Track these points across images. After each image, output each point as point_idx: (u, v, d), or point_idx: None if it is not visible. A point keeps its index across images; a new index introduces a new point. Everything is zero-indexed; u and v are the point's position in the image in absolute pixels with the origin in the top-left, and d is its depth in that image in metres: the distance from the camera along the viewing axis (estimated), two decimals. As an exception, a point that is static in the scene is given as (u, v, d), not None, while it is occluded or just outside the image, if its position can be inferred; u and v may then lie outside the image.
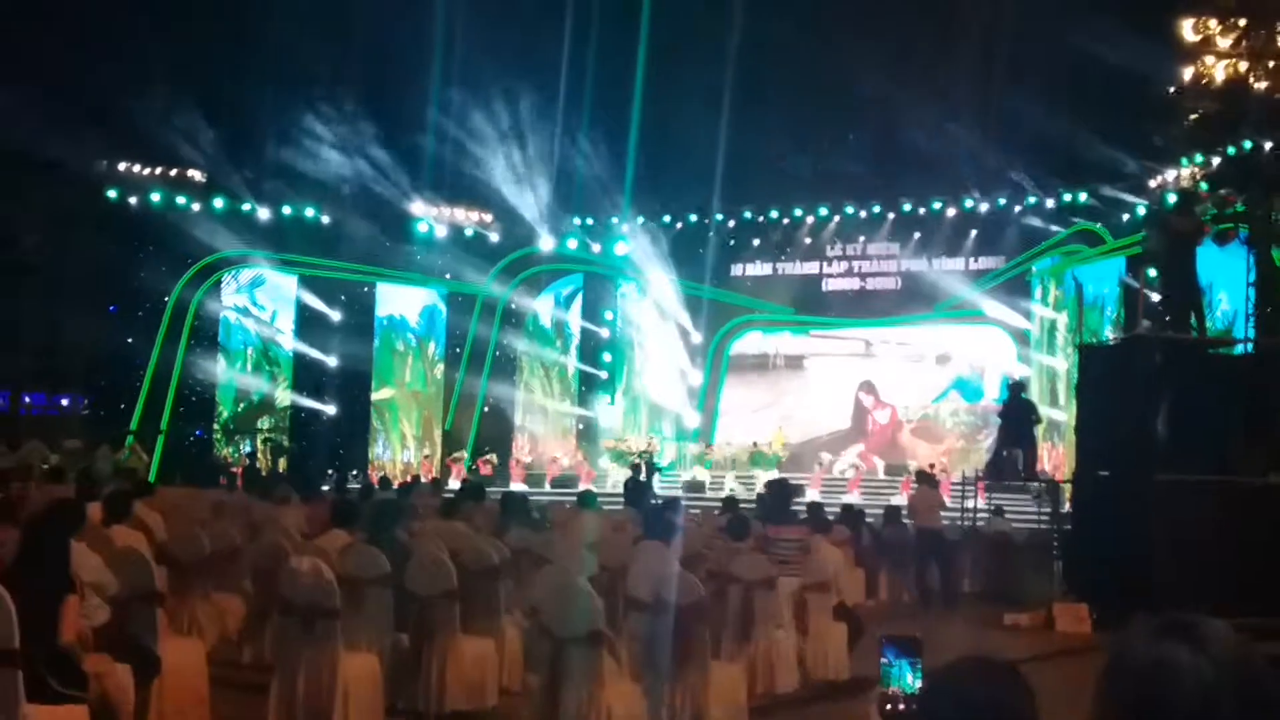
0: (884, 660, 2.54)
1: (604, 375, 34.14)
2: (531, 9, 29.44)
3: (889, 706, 2.48)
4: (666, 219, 33.60)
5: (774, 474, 26.49)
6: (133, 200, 28.75)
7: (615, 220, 33.45)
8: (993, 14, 26.99)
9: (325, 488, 19.93)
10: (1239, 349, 19.94)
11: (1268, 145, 21.78)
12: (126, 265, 28.25)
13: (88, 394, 28.70)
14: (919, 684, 2.50)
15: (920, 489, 18.61)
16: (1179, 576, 12.97)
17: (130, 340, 28.55)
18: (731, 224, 33.53)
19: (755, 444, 30.50)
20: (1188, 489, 14.00)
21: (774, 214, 33.23)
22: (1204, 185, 23.43)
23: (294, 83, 28.80)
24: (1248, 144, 22.62)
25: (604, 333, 34.12)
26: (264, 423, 30.72)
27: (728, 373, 35.19)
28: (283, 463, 29.15)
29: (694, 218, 33.46)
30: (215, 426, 30.09)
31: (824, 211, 32.71)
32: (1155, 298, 16.69)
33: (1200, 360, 16.25)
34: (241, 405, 30.58)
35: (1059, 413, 27.48)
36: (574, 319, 34.19)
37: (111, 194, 28.60)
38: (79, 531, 7.68)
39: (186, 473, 23.57)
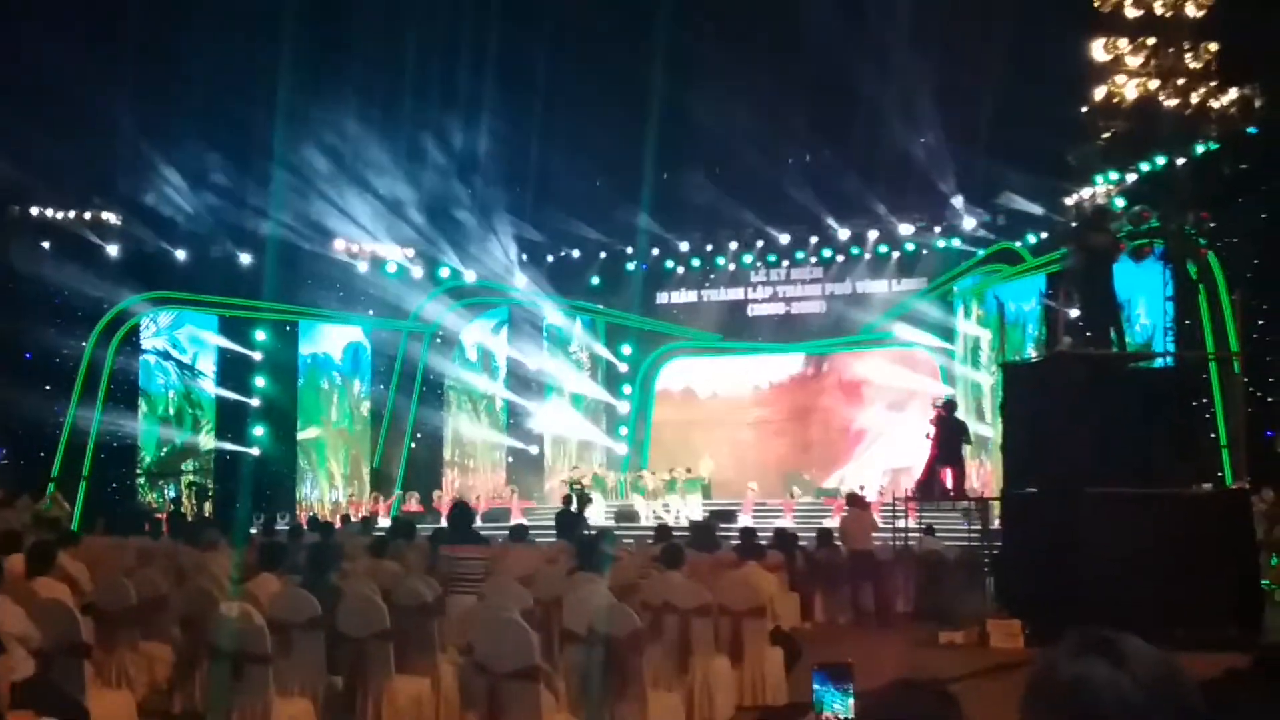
0: (816, 687, 2.54)
1: (532, 408, 34.04)
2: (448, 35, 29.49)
3: (824, 734, 2.47)
4: (591, 248, 33.62)
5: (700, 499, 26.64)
6: (46, 244, 28.35)
7: (539, 251, 33.46)
8: (908, 36, 27.34)
9: (253, 530, 19.67)
10: (1159, 362, 20.24)
11: (1179, 161, 22.19)
12: (42, 309, 27.79)
13: (5, 443, 28.16)
14: (852, 709, 2.50)
15: (851, 511, 18.69)
16: (1109, 589, 13.09)
17: (48, 387, 28.13)
18: (656, 251, 33.61)
19: (689, 470, 30.48)
20: (1114, 502, 14.15)
21: (698, 240, 33.34)
22: (1119, 202, 23.83)
23: (210, 122, 28.56)
24: (1160, 160, 23.03)
25: (531, 364, 34.01)
26: (188, 466, 30.31)
27: (655, 400, 35.24)
28: (208, 507, 28.76)
29: (619, 246, 33.51)
30: (138, 472, 29.65)
31: (747, 237, 32.86)
32: (1075, 314, 16.87)
33: (1122, 375, 16.47)
34: (164, 449, 30.18)
35: (986, 430, 27.74)
36: (500, 351, 34.06)
37: (27, 237, 28.17)
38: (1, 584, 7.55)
39: (110, 520, 23.17)
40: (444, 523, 26.19)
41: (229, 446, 30.52)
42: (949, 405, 21.15)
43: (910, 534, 20.23)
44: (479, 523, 28.35)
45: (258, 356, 30.97)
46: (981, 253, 29.97)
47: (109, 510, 25.77)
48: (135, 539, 16.37)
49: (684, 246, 33.29)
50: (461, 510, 13.32)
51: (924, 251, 31.64)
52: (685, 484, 29.72)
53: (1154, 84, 20.80)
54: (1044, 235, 27.76)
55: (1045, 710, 1.98)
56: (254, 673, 7.52)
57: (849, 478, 31.78)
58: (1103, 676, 1.93)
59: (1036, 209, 27.61)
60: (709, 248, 33.49)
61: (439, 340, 33.15)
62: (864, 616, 17.18)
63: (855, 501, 19.37)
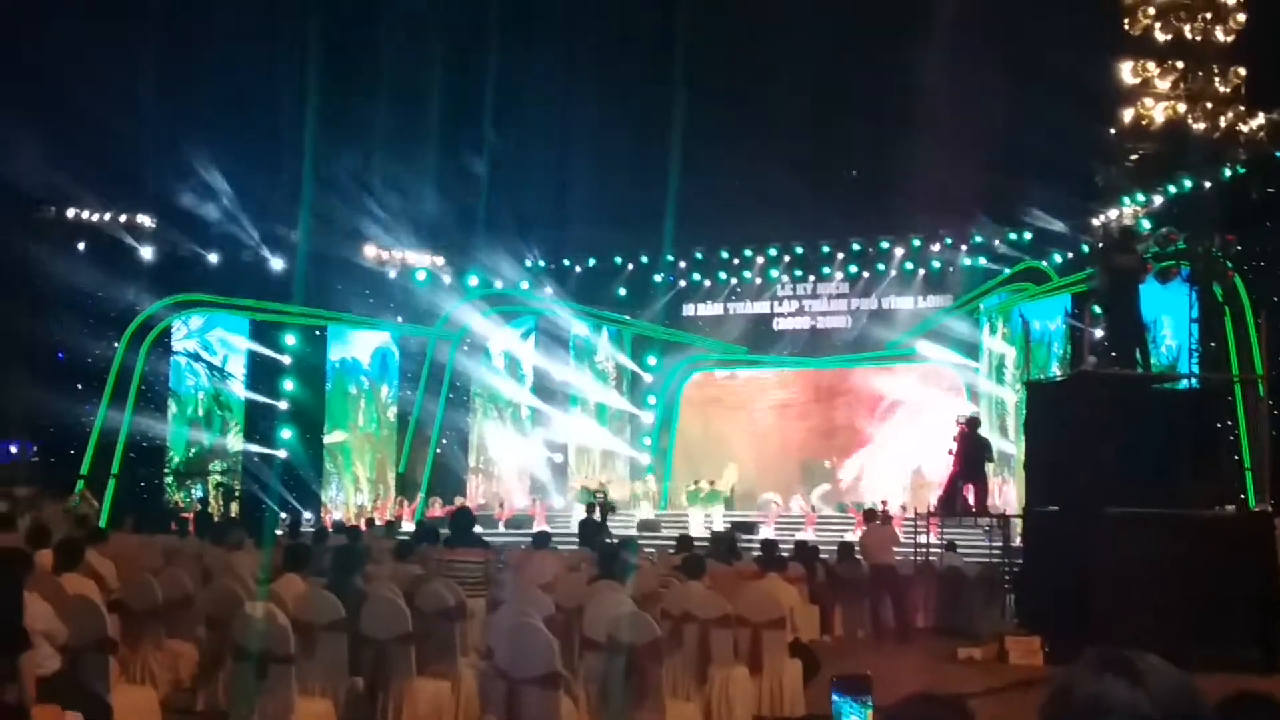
0: (834, 699, 2.56)
1: (557, 417, 34.10)
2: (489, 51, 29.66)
3: (842, 747, 2.50)
4: (618, 260, 33.69)
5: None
6: (81, 245, 28.58)
7: (568, 262, 33.57)
8: (940, 55, 27.33)
9: (278, 532, 19.78)
10: (1183, 384, 20.19)
11: (1207, 184, 22.15)
12: (75, 310, 28.00)
13: (36, 440, 28.35)
14: None
15: (873, 526, 18.69)
16: (1129, 609, 13.09)
17: (79, 386, 28.35)
18: (683, 264, 33.64)
19: (712, 482, 30.46)
20: (1136, 522, 14.14)
21: (724, 254, 33.35)
22: (1146, 224, 23.78)
23: (243, 128, 28.76)
24: (1187, 183, 22.99)
25: (557, 374, 34.06)
26: (216, 467, 30.45)
27: (680, 411, 35.28)
28: (235, 507, 28.89)
29: (645, 259, 33.56)
30: (166, 472, 29.82)
31: (774, 252, 32.85)
32: (1100, 334, 16.87)
33: (1146, 396, 16.46)
34: (193, 450, 30.33)
35: (1009, 447, 27.67)
36: (528, 360, 34.14)
37: (60, 238, 28.41)
38: (27, 580, 7.64)
39: (138, 519, 23.33)
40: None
41: (256, 449, 30.65)
42: (972, 422, 21.13)
43: (931, 549, 20.24)
44: (501, 529, 28.64)
45: (287, 360, 31.10)
46: (1008, 271, 29.92)
47: (137, 509, 25.93)
48: (162, 538, 16.48)
49: (711, 260, 33.28)
50: (462, 515, 13.38)
51: (950, 269, 31.60)
52: (707, 496, 29.69)
53: (1182, 107, 20.77)
54: (1070, 255, 27.70)
55: None
56: (277, 672, 7.59)
57: (868, 468, 31.89)
58: (1120, 695, 1.94)
59: (1064, 228, 27.57)
60: (736, 261, 33.49)
61: (466, 348, 33.27)
62: (883, 631, 17.19)
63: (878, 516, 19.38)
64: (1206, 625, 13.12)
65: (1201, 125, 20.69)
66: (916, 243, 31.27)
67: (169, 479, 29.79)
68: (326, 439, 31.82)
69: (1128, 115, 20.99)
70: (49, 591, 7.92)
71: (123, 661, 8.44)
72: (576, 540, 18.29)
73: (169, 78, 27.94)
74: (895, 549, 18.70)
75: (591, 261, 33.73)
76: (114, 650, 7.84)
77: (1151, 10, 20.59)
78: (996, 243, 29.86)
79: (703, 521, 28.11)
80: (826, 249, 32.50)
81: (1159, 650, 2.05)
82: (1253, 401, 22.49)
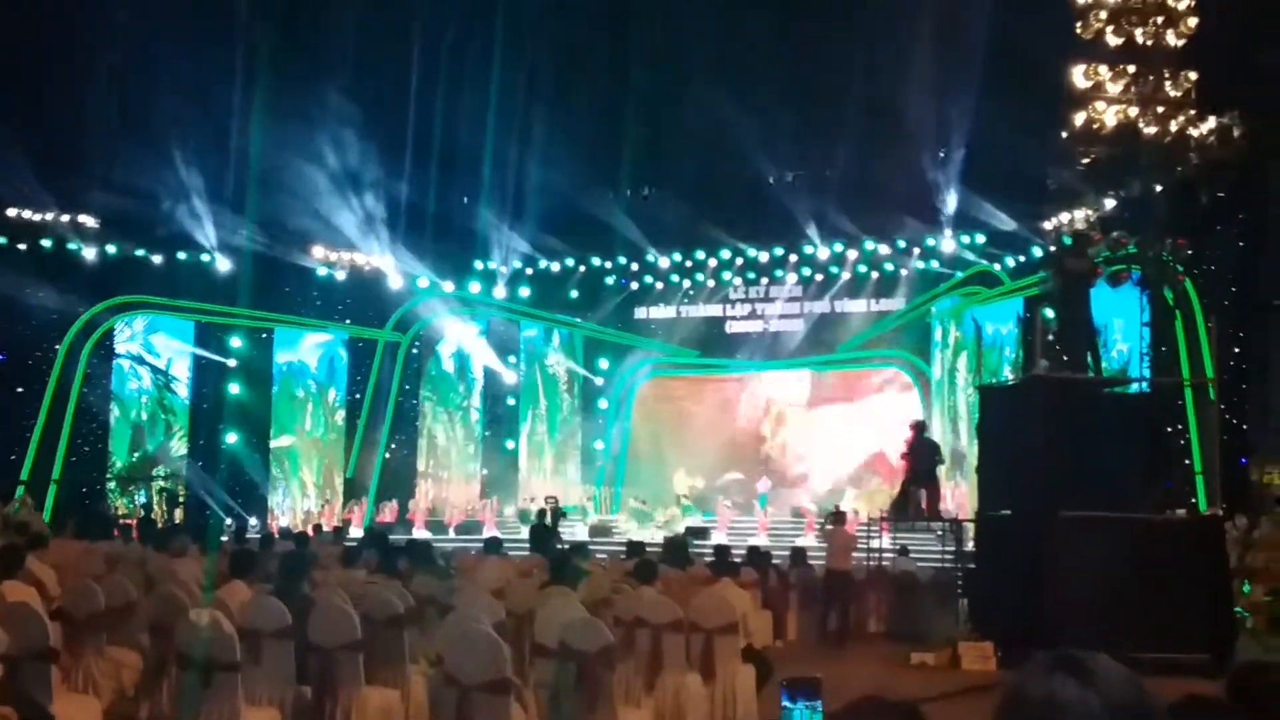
0: (784, 704, 2.53)
1: (507, 420, 33.99)
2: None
3: (789, 749, 2.46)
4: (570, 262, 33.59)
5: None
6: (21, 246, 28.23)
7: (519, 264, 33.45)
8: (892, 58, 27.46)
9: (224, 538, 19.54)
10: (1135, 388, 20.33)
11: (1158, 188, 22.33)
12: (14, 312, 27.63)
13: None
14: None
15: (836, 529, 18.67)
16: (1081, 612, 13.15)
17: (19, 389, 27.99)
18: (635, 266, 33.60)
19: (680, 499, 30.43)
20: (1088, 526, 14.22)
21: (676, 257, 33.31)
22: (1097, 227, 23.93)
23: (188, 126, 28.45)
24: (1138, 187, 23.15)
25: (509, 376, 33.94)
26: (159, 472, 30.13)
27: (633, 415, 35.23)
28: (179, 514, 28.60)
29: (597, 261, 33.49)
30: (109, 477, 29.47)
31: (726, 254, 32.86)
32: (1051, 338, 16.95)
33: (1098, 399, 16.56)
34: (136, 454, 29.99)
35: (961, 452, 27.81)
36: (478, 363, 33.99)
37: (0, 239, 28.07)
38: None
39: (79, 525, 23.04)
40: (415, 534, 26.27)
41: (201, 453, 30.37)
42: (920, 426, 21.24)
43: (884, 554, 20.27)
44: (451, 534, 28.50)
45: (232, 363, 30.84)
46: (960, 275, 30.06)
47: (79, 515, 25.60)
48: (105, 544, 16.22)
49: (664, 263, 33.23)
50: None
51: (903, 272, 31.70)
52: (683, 509, 29.65)
53: (1134, 111, 20.92)
54: (1022, 258, 27.87)
55: None
56: (222, 681, 7.47)
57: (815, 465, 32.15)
58: (1071, 695, 1.93)
59: (1016, 231, 27.73)
60: (688, 264, 33.47)
61: (415, 350, 33.11)
62: (836, 636, 17.18)
63: (838, 519, 19.37)
64: (1157, 629, 13.19)
65: (1153, 129, 20.84)
66: (869, 246, 31.31)
67: (111, 484, 29.44)
68: (273, 443, 31.57)
69: (1079, 119, 21.11)
70: (-13, 599, 7.76)
71: (65, 670, 8.28)
72: (527, 546, 18.20)
73: (111, 71, 27.65)
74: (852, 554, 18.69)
75: (543, 264, 33.59)
76: (56, 659, 7.70)
77: (1104, 14, 20.72)
78: (949, 246, 29.94)
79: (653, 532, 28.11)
80: (779, 252, 32.50)
81: (1111, 653, 2.02)
82: (1203, 405, 22.69)
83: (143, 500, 29.21)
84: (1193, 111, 21.15)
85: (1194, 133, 21.12)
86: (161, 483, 29.83)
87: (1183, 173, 21.80)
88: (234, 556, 11.01)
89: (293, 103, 28.77)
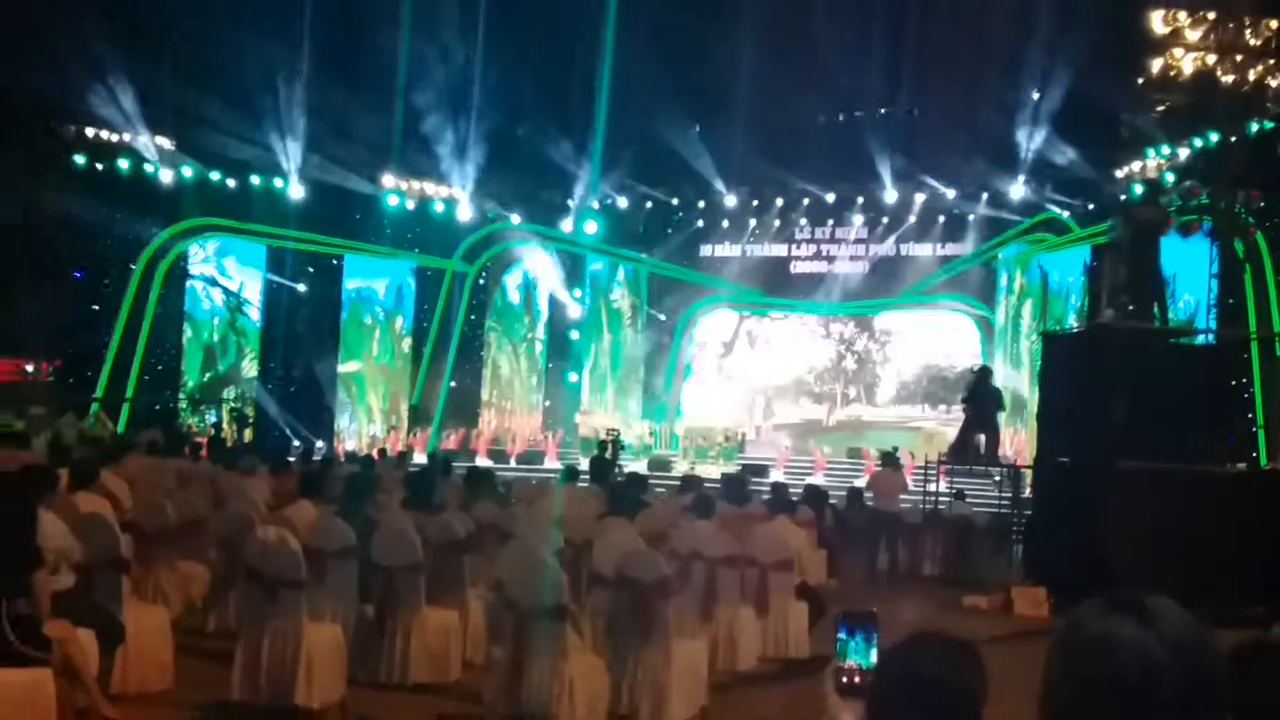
0: (840, 635, 2.55)
1: (572, 352, 34.17)
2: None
3: (844, 680, 2.49)
4: (636, 198, 33.53)
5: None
6: (99, 166, 28.55)
7: (585, 198, 33.43)
8: (966, 5, 27.06)
9: (291, 459, 19.87)
10: (1200, 340, 20.14)
11: (1233, 138, 21.97)
12: (92, 232, 28.02)
13: (52, 360, 28.46)
14: (874, 658, 2.51)
15: (883, 471, 18.71)
16: (1136, 563, 13.12)
17: (96, 307, 28.44)
18: (702, 204, 33.50)
19: (725, 438, 30.44)
20: (1146, 477, 14.17)
21: (744, 195, 33.16)
22: (1169, 176, 23.61)
23: (265, 54, 28.53)
24: (1214, 137, 22.79)
25: (573, 310, 34.08)
26: (229, 393, 30.57)
27: (695, 352, 35.31)
28: (248, 434, 29.04)
29: (664, 197, 33.41)
30: (181, 396, 29.95)
31: (793, 194, 32.67)
32: (1119, 287, 16.80)
33: (1162, 350, 16.44)
34: (208, 375, 30.44)
35: (1022, 398, 27.66)
36: (543, 296, 34.14)
37: (79, 159, 28.39)
38: (51, 497, 7.70)
39: (152, 441, 23.47)
40: (478, 462, 26.54)
41: (270, 376, 30.78)
42: (984, 372, 21.14)
43: (941, 498, 20.29)
44: (513, 464, 28.78)
45: (302, 289, 31.15)
46: (1027, 221, 29.75)
47: (159, 429, 26.04)
48: (176, 461, 16.57)
49: (730, 201, 33.10)
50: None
51: (970, 217, 31.39)
52: (722, 451, 29.68)
53: (1212, 59, 20.55)
54: (1091, 206, 27.53)
55: (1070, 665, 1.98)
56: (287, 597, 7.65)
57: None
58: (1130, 634, 1.92)
59: (1086, 178, 27.36)
60: (755, 203, 33.32)
61: (482, 281, 33.28)
62: (891, 577, 17.27)
63: (889, 460, 19.38)
64: (1213, 581, 13.14)
65: (1230, 78, 20.47)
66: (936, 190, 31.03)
67: (183, 404, 29.93)
68: (340, 368, 31.91)
69: (1156, 65, 20.77)
70: (64, 510, 8.00)
71: (135, 581, 8.51)
72: (587, 477, 18.37)
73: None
74: (903, 496, 18.71)
75: (610, 198, 33.55)
76: (127, 569, 7.92)
77: (1184, -41, 20.39)
78: (1018, 191, 29.59)
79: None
80: (845, 194, 32.27)
81: (1164, 602, 2.04)
82: (1269, 360, 22.43)
83: (213, 420, 29.67)
84: (1272, 61, 20.77)
85: (1272, 83, 20.75)
86: (232, 404, 30.27)
87: (1259, 124, 21.42)
88: (303, 477, 11.25)
89: (364, 32, 28.84)
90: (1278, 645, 2.94)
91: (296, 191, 30.32)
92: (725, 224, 34.01)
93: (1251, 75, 20.70)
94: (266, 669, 7.56)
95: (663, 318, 34.83)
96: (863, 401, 33.69)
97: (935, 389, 31.88)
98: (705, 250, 34.47)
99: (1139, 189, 20.95)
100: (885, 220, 32.49)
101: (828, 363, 34.11)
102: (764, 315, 34.74)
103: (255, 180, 30.05)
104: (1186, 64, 20.72)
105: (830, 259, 33.52)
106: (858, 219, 32.76)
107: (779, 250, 33.91)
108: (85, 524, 7.83)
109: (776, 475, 25.30)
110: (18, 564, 6.46)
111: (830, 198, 32.48)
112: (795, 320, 34.41)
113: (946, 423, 28.64)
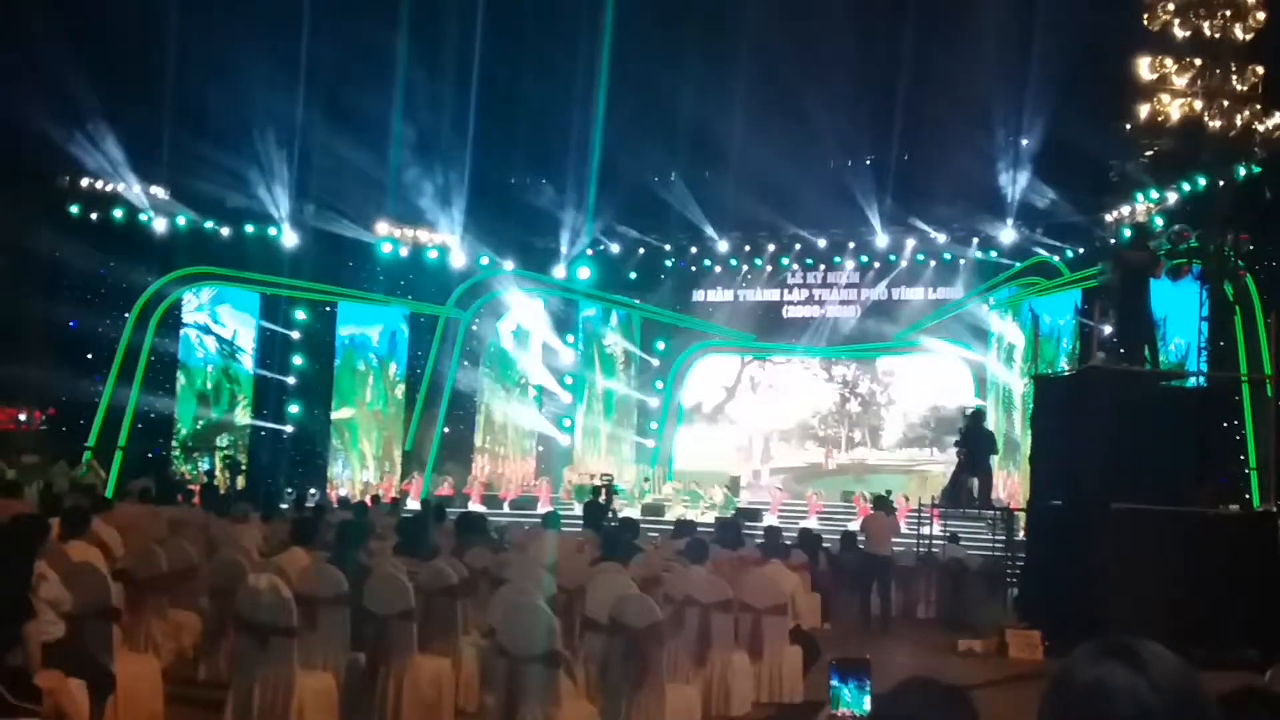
0: (832, 683, 2.55)
1: (566, 399, 34.16)
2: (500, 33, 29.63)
3: (838, 728, 2.49)
4: (629, 244, 33.62)
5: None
6: (94, 215, 28.63)
7: (578, 244, 33.52)
8: (953, 47, 27.25)
9: (284, 506, 19.84)
10: (1191, 382, 20.16)
11: (1221, 182, 22.10)
12: (86, 280, 28.08)
13: (45, 409, 28.44)
14: (867, 705, 2.51)
15: (876, 514, 18.66)
16: (1130, 605, 13.10)
17: (89, 356, 28.44)
18: (694, 250, 33.60)
19: (725, 489, 30.45)
20: (1139, 519, 14.16)
21: (736, 241, 33.27)
22: (1158, 220, 23.74)
23: (259, 103, 28.69)
24: (1201, 181, 22.92)
25: (566, 355, 34.11)
26: (222, 440, 30.55)
27: (689, 397, 35.31)
28: (241, 481, 28.99)
29: (656, 243, 33.51)
30: (174, 444, 29.92)
31: (785, 239, 32.79)
32: (1109, 330, 16.85)
33: (1153, 393, 16.46)
34: (200, 423, 30.42)
35: (1015, 441, 27.68)
36: (536, 342, 34.16)
37: (73, 208, 28.48)
38: (44, 547, 7.67)
39: (144, 489, 23.42)
40: (471, 507, 26.49)
41: (264, 423, 30.76)
42: (977, 415, 21.15)
43: (934, 541, 20.26)
44: (506, 509, 28.73)
45: (296, 336, 31.20)
46: (1019, 265, 29.89)
47: (151, 476, 25.98)
48: (168, 509, 16.53)
49: (722, 246, 33.21)
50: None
51: (961, 261, 31.53)
52: (722, 508, 29.63)
53: (1199, 104, 20.71)
54: (1082, 250, 27.66)
55: (1063, 711, 1.99)
56: (278, 644, 7.63)
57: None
58: (1122, 680, 1.93)
59: (1076, 223, 27.51)
60: (747, 248, 33.43)
61: (475, 327, 33.33)
62: (885, 621, 17.20)
63: (882, 504, 19.36)
64: (1207, 623, 13.14)
65: (1217, 123, 20.62)
66: (927, 235, 31.17)
67: (176, 451, 29.89)
68: (334, 415, 31.91)
69: (1144, 111, 20.93)
70: (54, 559, 7.96)
71: (126, 630, 8.48)
72: (580, 522, 18.34)
73: (186, 47, 27.88)
74: (896, 540, 18.66)
75: (602, 245, 33.64)
76: (118, 618, 7.88)
77: (1171, 6, 20.52)
78: (1008, 236, 29.73)
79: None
80: (837, 239, 32.39)
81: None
82: (1260, 402, 22.45)
83: (206, 467, 29.63)
84: (1258, 106, 20.92)
85: (1259, 127, 20.89)
86: (225, 451, 30.24)
87: (1246, 167, 21.55)
88: (295, 524, 11.22)
89: (358, 77, 29.00)
90: (1268, 692, 2.93)
91: (290, 239, 30.41)
92: (718, 269, 34.09)
93: (1238, 120, 20.84)
94: (258, 718, 7.52)
95: (655, 363, 34.84)
96: (868, 445, 33.69)
97: (941, 431, 31.83)
98: (698, 295, 34.56)
99: (1129, 233, 21.02)
100: (877, 265, 32.61)
101: (831, 406, 34.14)
102: (765, 359, 34.77)
103: (249, 228, 30.13)
104: (1174, 109, 20.88)
105: (822, 303, 33.61)
106: (849, 263, 32.87)
107: (771, 295, 34.01)
108: (76, 573, 7.79)
109: (770, 519, 25.30)
110: (9, 615, 6.44)
111: (822, 242, 32.61)
112: (797, 364, 34.41)
113: (948, 466, 28.66)
